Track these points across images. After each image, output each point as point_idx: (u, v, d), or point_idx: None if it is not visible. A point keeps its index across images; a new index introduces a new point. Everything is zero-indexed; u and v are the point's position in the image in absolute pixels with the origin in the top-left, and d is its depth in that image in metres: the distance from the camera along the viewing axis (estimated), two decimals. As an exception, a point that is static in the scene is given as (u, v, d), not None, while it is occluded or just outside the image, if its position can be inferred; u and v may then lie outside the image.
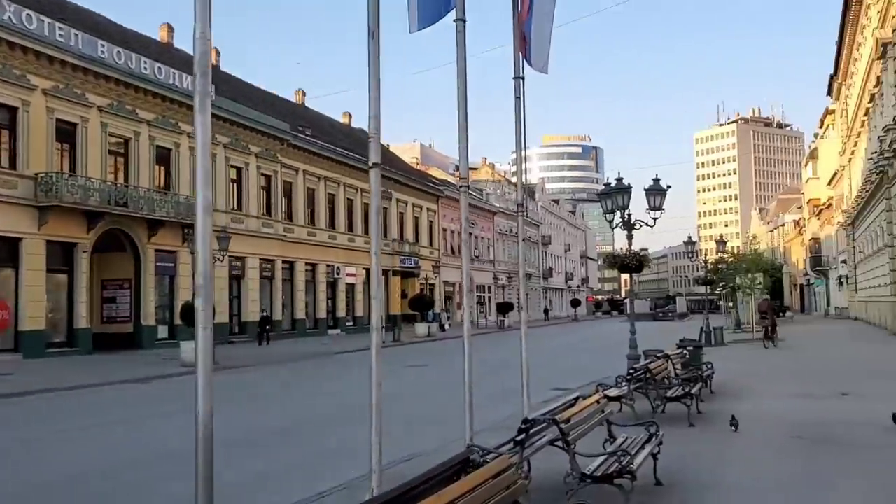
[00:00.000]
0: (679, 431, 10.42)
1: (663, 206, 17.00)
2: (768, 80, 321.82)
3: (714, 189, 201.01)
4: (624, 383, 11.61)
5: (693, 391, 11.16)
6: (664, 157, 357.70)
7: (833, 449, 8.96)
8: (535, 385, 18.53)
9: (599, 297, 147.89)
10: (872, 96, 34.69)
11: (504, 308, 61.57)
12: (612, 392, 11.52)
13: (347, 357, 29.88)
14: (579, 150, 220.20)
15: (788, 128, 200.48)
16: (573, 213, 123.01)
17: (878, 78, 31.81)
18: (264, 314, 38.47)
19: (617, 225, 16.99)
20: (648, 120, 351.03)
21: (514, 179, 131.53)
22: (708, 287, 43.11)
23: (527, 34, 9.15)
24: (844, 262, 56.32)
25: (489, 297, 70.62)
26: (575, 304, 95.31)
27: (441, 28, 7.22)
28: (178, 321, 30.37)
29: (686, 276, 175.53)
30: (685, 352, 16.00)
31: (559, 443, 6.34)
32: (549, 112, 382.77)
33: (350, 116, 62.90)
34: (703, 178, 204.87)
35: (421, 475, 4.18)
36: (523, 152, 10.12)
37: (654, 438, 7.34)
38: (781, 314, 43.42)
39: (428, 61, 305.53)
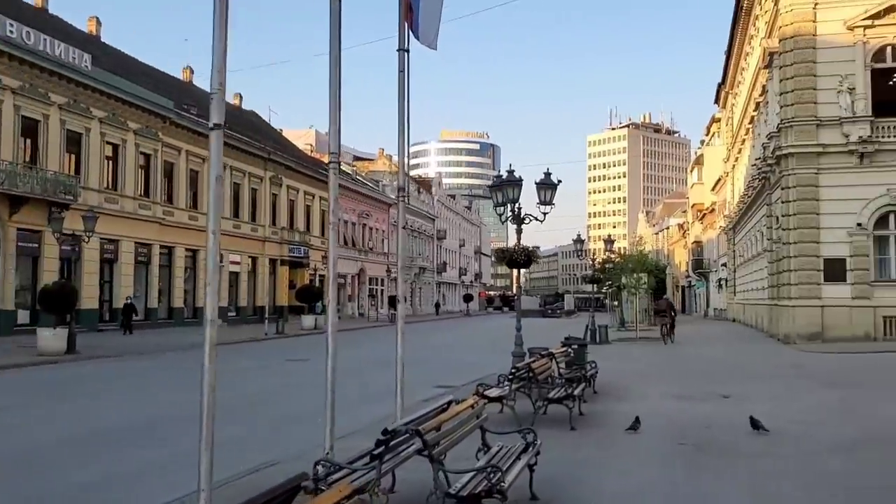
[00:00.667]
0: (560, 435, 9.86)
1: (553, 202, 16.56)
2: (660, 87, 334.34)
3: (604, 191, 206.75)
4: (505, 383, 10.96)
5: (576, 392, 10.63)
6: (558, 157, 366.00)
7: (716, 457, 8.55)
8: (419, 382, 17.86)
9: (492, 293, 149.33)
10: (757, 105, 35.78)
11: (396, 301, 60.79)
12: (493, 392, 10.87)
13: (222, 350, 28.30)
14: (477, 146, 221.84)
15: (676, 135, 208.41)
16: (469, 208, 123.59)
17: (764, 87, 32.77)
18: (129, 301, 36.19)
19: (507, 218, 16.45)
20: (545, 122, 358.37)
21: (412, 172, 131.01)
22: (595, 285, 43.65)
23: (413, 5, 8.34)
24: (724, 265, 58.46)
25: (382, 290, 69.68)
26: (467, 299, 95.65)
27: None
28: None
29: (575, 275, 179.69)
30: (570, 350, 15.62)
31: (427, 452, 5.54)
32: (448, 107, 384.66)
33: (241, 98, 60.52)
34: (595, 180, 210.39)
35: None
36: (406, 130, 9.26)
37: (531, 448, 6.65)
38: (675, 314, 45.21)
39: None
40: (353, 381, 17.10)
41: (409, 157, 9.42)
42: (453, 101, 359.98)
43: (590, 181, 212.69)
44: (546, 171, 16.69)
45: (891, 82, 27.42)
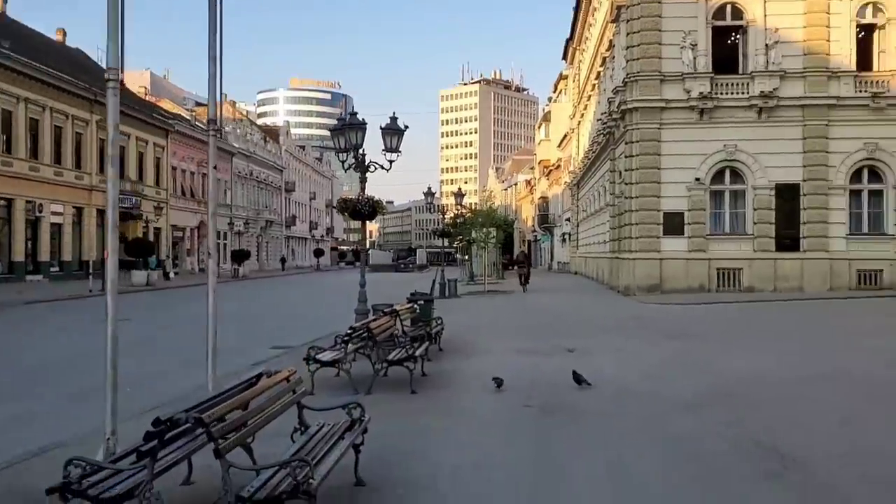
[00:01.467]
0: (399, 400, 8.97)
1: (400, 149, 15.50)
2: (512, 45, 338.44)
3: (456, 146, 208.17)
4: (341, 345, 9.90)
5: (417, 353, 9.74)
6: (412, 111, 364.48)
7: (564, 420, 7.92)
8: (255, 342, 16.49)
9: (344, 248, 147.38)
10: (604, 60, 36.13)
11: (239, 256, 58.09)
12: (327, 356, 9.79)
13: (40, 309, 25.55)
14: (328, 96, 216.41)
15: (526, 92, 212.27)
16: (320, 160, 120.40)
17: (611, 41, 33.04)
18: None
19: (350, 166, 15.22)
20: (399, 74, 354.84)
21: (259, 121, 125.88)
22: (444, 239, 43.34)
23: None
24: (568, 220, 59.92)
25: (224, 245, 66.38)
26: (318, 253, 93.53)
27: None
28: None
29: (428, 230, 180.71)
30: (416, 306, 14.79)
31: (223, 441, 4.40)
32: (299, 55, 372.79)
33: (64, 34, 54.94)
34: (447, 135, 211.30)
35: None
36: (217, 54, 7.89)
37: (357, 426, 5.65)
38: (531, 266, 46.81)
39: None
40: (181, 342, 15.56)
41: (221, 84, 8.05)
42: (305, 48, 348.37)
43: (442, 136, 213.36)
44: (392, 115, 15.57)
45: (729, 41, 28.19)
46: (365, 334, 9.76)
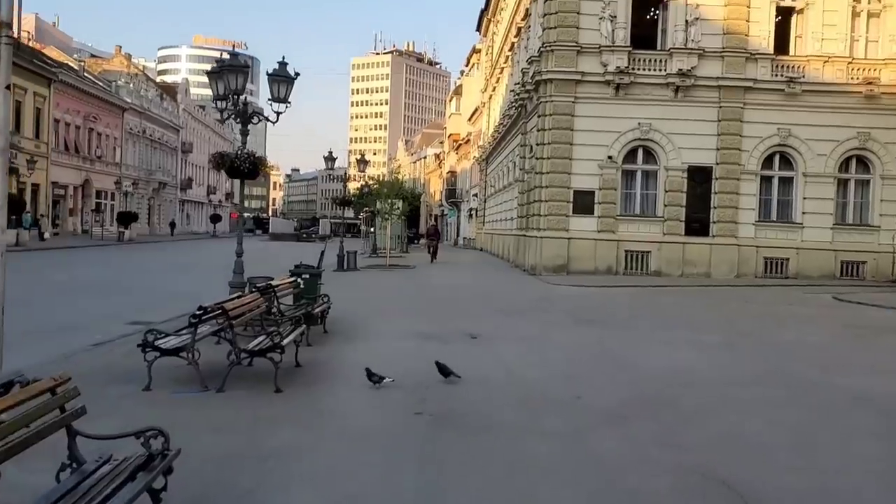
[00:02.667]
0: (257, 402, 7.15)
1: (289, 99, 13.50)
2: (426, 16, 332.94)
3: (366, 116, 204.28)
4: (184, 330, 7.97)
5: (285, 341, 7.91)
6: (322, 77, 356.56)
7: (462, 435, 6.29)
8: (111, 316, 14.18)
9: (246, 214, 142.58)
10: (519, 31, 34.71)
11: (125, 218, 54.21)
12: (170, 342, 7.85)
13: None
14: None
15: (438, 66, 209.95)
16: (222, 122, 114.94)
17: (527, 10, 31.59)
18: None
19: (229, 116, 13.15)
20: (309, 38, 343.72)
21: (159, 78, 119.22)
22: (345, 208, 41.33)
23: None
24: (476, 195, 58.74)
25: (111, 206, 61.97)
26: (215, 219, 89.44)
27: None
28: None
29: (335, 199, 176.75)
30: (299, 280, 12.92)
31: None
32: (204, 12, 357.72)
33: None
34: (357, 105, 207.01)
35: None
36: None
37: (157, 462, 3.82)
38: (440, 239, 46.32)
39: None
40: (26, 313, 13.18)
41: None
42: (210, 4, 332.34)
43: (352, 105, 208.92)
44: (282, 59, 13.52)
45: (649, 15, 27.15)
46: (222, 314, 7.84)
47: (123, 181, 63.66)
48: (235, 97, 12.64)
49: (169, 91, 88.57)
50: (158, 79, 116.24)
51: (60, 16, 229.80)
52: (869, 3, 26.09)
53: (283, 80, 13.23)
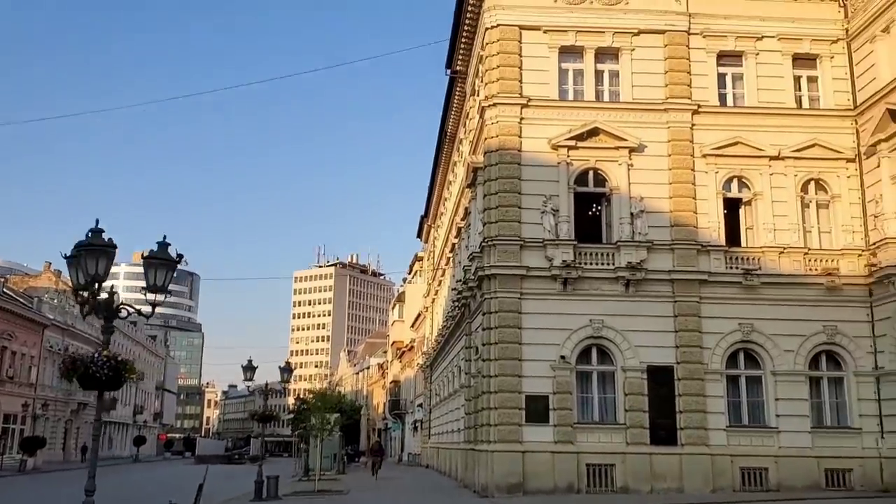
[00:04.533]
0: None
1: (169, 289, 10.89)
2: (369, 229, 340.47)
3: (308, 328, 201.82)
4: None
5: None
6: (265, 293, 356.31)
7: None
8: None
9: (175, 435, 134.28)
10: (459, 230, 33.50)
11: (30, 444, 48.76)
12: None
13: None
14: (174, 273, 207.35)
15: (382, 277, 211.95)
16: (153, 338, 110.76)
17: (467, 209, 30.44)
18: None
19: (89, 309, 10.38)
20: (253, 254, 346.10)
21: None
22: (284, 427, 37.41)
23: None
24: (420, 405, 55.30)
25: (17, 430, 56.19)
26: (138, 441, 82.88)
27: None
28: None
29: (252, 414, 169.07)
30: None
31: None
32: (146, 231, 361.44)
33: None
34: (299, 317, 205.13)
35: None
36: None
37: None
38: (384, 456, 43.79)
39: None
40: None
41: None
42: (149, 220, 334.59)
43: (294, 318, 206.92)
44: (163, 238, 11.03)
45: (593, 208, 26.02)
46: None
47: (36, 402, 58.45)
48: (96, 284, 9.93)
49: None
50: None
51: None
52: (816, 193, 25.45)
53: (161, 264, 10.66)
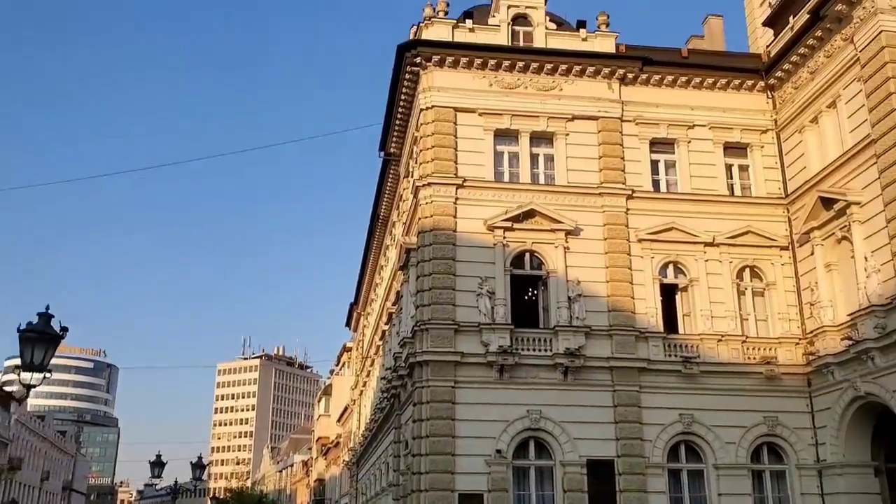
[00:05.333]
0: None
1: (49, 367, 9.31)
2: (298, 318, 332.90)
3: (231, 423, 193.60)
4: None
5: None
6: (187, 386, 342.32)
7: None
8: None
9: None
10: (390, 316, 32.16)
11: None
12: None
13: None
14: (90, 364, 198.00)
15: (309, 370, 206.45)
16: (63, 434, 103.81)
17: (398, 293, 29.22)
18: None
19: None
20: (174, 346, 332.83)
21: (7, 388, 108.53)
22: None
23: None
24: (346, 505, 52.29)
25: None
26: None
27: None
28: None
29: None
30: None
31: None
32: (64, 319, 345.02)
33: None
34: (222, 412, 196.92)
35: None
36: None
37: None
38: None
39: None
40: None
41: None
42: (70, 312, 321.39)
43: (216, 412, 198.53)
44: (45, 309, 9.48)
45: (530, 292, 25.17)
46: None
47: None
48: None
49: (3, 401, 79.46)
50: (7, 388, 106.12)
51: None
52: (751, 281, 25.21)
53: (40, 340, 9.10)
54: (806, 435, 23.49)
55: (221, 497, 39.12)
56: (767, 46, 26.80)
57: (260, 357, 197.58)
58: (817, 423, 23.41)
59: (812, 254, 23.84)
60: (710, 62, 26.49)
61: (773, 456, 23.75)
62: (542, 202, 24.39)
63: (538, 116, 25.31)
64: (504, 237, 23.96)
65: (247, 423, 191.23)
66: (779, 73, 25.56)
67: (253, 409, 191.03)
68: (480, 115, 25.08)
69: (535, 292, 25.28)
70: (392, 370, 27.05)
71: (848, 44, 22.41)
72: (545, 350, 23.17)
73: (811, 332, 23.61)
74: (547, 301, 24.15)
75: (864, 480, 22.31)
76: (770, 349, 24.18)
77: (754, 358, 23.99)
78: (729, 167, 26.24)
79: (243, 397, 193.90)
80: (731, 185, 26.21)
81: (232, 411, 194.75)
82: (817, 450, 23.31)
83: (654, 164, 25.96)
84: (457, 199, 24.22)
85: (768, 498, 23.46)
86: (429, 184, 24.08)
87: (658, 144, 26.06)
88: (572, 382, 23.00)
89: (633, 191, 24.91)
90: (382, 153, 31.69)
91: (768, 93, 26.35)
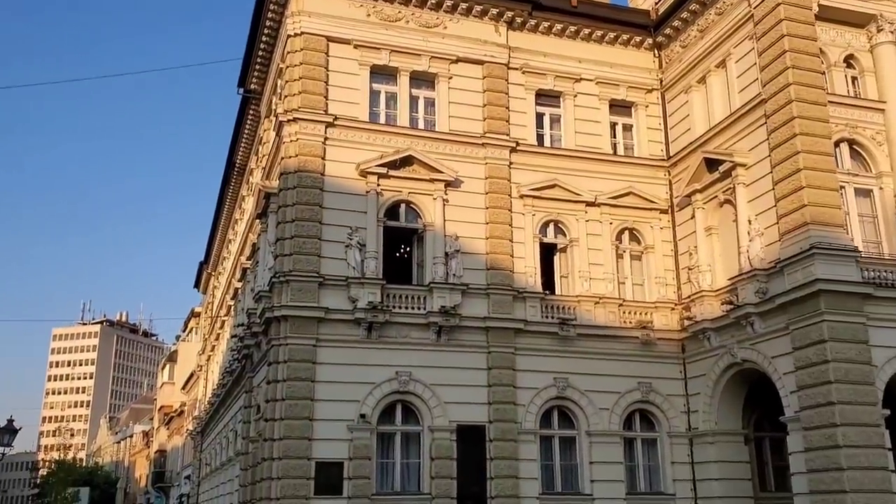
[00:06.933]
0: None
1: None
2: (142, 286, 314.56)
3: (66, 392, 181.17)
4: None
5: None
6: (17, 350, 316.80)
7: None
8: None
9: None
10: (245, 272, 29.30)
11: None
12: None
13: None
14: None
15: (154, 337, 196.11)
16: None
17: (255, 245, 26.47)
18: None
19: None
20: (5, 306, 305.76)
21: None
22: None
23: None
24: (188, 477, 48.85)
25: None
26: None
27: None
28: None
29: (22, 494, 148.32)
30: None
31: None
32: None
33: None
34: (56, 379, 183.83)
35: None
36: None
37: None
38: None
39: None
40: None
41: None
42: None
43: (49, 380, 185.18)
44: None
45: (405, 245, 23.21)
46: None
47: None
48: None
49: None
50: None
51: None
52: (630, 243, 24.37)
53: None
54: (679, 402, 22.98)
55: (47, 470, 34.97)
56: (656, 3, 25.90)
57: (101, 323, 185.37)
58: (690, 391, 22.94)
59: (692, 217, 23.22)
60: (600, 13, 25.23)
61: (646, 423, 23.13)
62: (422, 149, 22.37)
63: (419, 55, 23.19)
64: (378, 184, 21.78)
65: (84, 392, 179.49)
66: (667, 31, 24.72)
67: (91, 378, 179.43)
68: (356, 47, 22.67)
69: (409, 248, 23.38)
70: (245, 327, 24.39)
71: (742, 1, 21.72)
72: (419, 308, 21.30)
73: (688, 296, 23.04)
74: (422, 256, 22.24)
75: (734, 448, 22.06)
76: (646, 313, 23.46)
77: (630, 322, 23.19)
78: (613, 126, 25.20)
79: (81, 364, 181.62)
80: (615, 144, 25.20)
81: (67, 379, 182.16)
82: (689, 418, 22.88)
83: (540, 117, 24.51)
84: (326, 138, 21.77)
85: (639, 465, 22.83)
86: (294, 119, 21.46)
87: (544, 97, 24.60)
88: (446, 343, 21.30)
89: (518, 143, 23.34)
90: (242, 89, 28.50)
91: (655, 51, 25.49)
